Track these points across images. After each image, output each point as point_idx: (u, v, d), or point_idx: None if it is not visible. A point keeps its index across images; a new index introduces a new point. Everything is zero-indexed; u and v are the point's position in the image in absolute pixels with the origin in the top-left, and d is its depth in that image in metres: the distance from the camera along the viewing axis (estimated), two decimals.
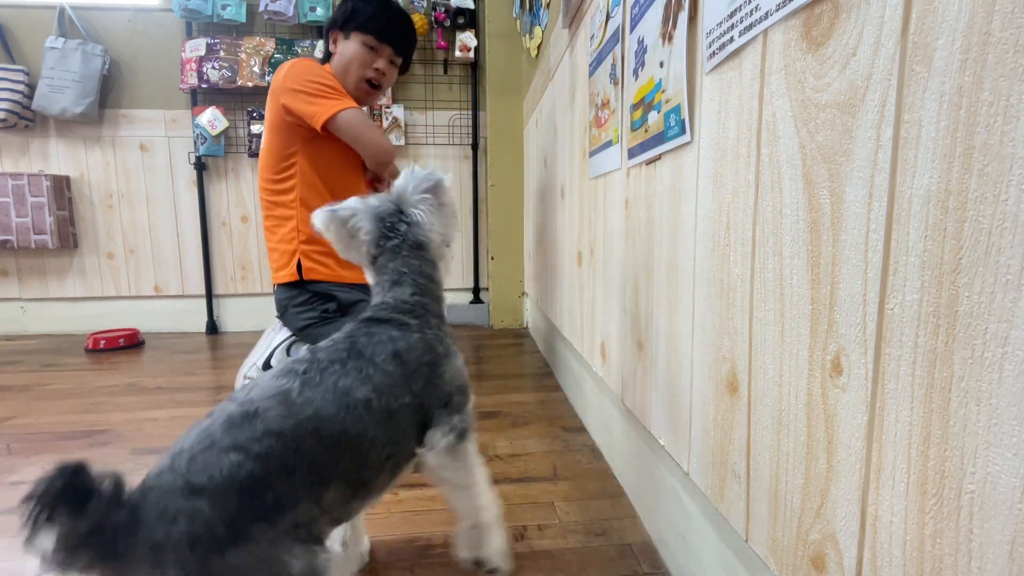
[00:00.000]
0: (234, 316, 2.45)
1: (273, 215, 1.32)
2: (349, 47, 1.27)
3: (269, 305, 2.45)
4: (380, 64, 1.29)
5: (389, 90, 2.32)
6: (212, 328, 2.42)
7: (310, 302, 1.34)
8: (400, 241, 0.65)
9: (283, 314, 1.36)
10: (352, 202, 0.68)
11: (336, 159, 1.28)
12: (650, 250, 0.80)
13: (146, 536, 0.40)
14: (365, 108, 1.35)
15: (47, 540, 0.35)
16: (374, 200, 0.67)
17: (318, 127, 1.17)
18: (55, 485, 0.36)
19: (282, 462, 0.46)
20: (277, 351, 1.31)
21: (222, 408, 0.50)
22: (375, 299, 0.65)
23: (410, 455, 0.59)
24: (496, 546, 0.65)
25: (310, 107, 1.17)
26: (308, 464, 0.48)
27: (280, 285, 1.34)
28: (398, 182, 0.68)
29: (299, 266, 1.28)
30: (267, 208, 1.33)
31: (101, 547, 0.38)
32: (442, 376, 0.62)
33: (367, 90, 1.32)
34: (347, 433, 0.51)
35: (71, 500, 0.36)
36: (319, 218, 0.65)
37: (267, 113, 1.25)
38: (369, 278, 0.69)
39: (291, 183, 1.26)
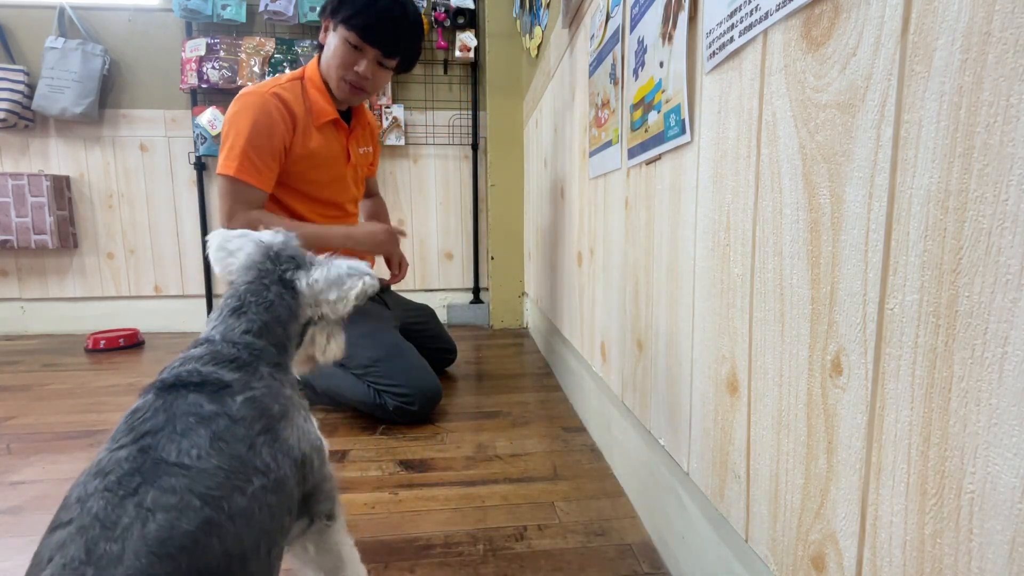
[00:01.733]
0: None
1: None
2: (333, 41, 1.17)
3: None
4: (362, 67, 1.18)
5: (388, 90, 2.32)
6: None
7: None
8: (269, 271, 0.55)
9: None
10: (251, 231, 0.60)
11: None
12: (650, 250, 0.80)
13: None
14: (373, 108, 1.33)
15: None
16: (272, 236, 0.59)
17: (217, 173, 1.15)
18: None
19: None
20: None
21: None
22: (203, 334, 0.52)
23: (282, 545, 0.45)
24: None
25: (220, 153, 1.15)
26: None
27: None
28: (326, 258, 0.59)
29: None
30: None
31: None
32: (287, 442, 0.46)
33: (348, 91, 1.23)
34: None
35: None
36: (215, 236, 0.58)
37: None
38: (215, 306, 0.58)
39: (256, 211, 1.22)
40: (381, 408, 1.23)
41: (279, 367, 0.51)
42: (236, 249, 0.57)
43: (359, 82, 1.21)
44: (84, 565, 0.31)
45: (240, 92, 1.16)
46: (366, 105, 1.42)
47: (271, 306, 0.52)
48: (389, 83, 2.31)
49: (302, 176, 1.25)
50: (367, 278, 0.58)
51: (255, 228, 1.00)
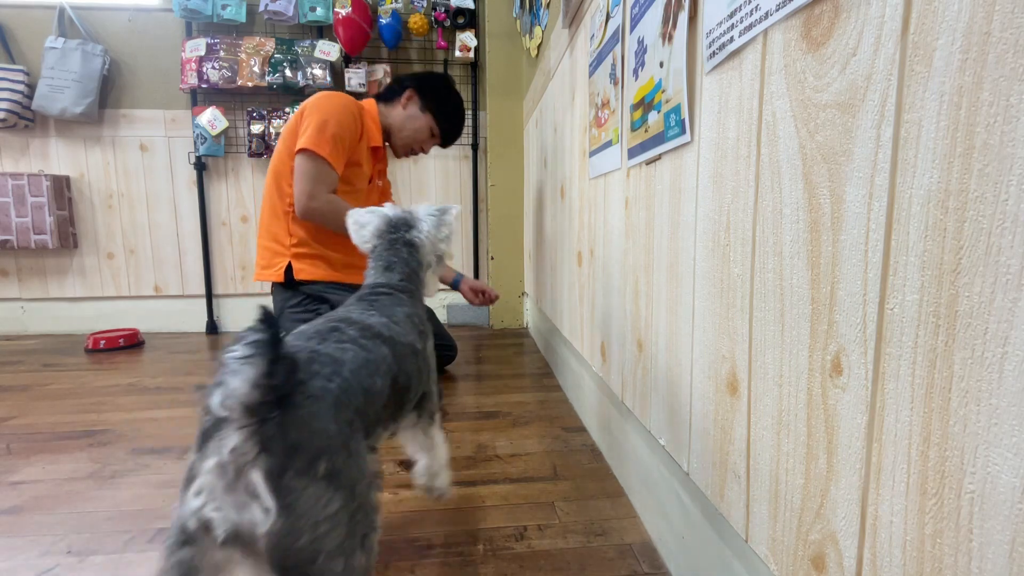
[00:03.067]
0: (234, 316, 2.45)
1: (280, 206, 1.37)
2: (420, 119, 1.46)
3: (268, 305, 2.44)
4: (428, 146, 1.53)
5: None
6: (212, 328, 2.42)
7: (303, 303, 1.36)
8: (396, 237, 0.75)
9: (279, 316, 1.39)
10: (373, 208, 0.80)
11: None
12: (650, 250, 0.80)
13: (308, 391, 0.45)
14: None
15: (238, 381, 0.38)
16: (390, 210, 0.79)
17: (296, 147, 1.28)
18: (263, 333, 0.39)
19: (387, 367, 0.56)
20: None
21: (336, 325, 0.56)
22: (368, 281, 0.73)
23: (405, 412, 0.66)
24: (445, 479, 0.79)
25: (301, 136, 1.27)
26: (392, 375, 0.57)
27: (276, 286, 1.36)
28: (415, 206, 0.80)
29: (288, 268, 1.34)
30: (277, 196, 1.37)
31: (277, 392, 0.40)
32: (429, 348, 0.72)
33: (404, 153, 1.53)
34: (407, 365, 0.61)
35: (270, 347, 0.39)
36: (351, 214, 0.78)
37: (294, 123, 1.35)
38: (368, 265, 0.76)
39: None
40: None
41: (418, 300, 0.75)
42: (366, 223, 0.77)
43: (417, 153, 1.53)
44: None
45: (324, 92, 1.33)
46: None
47: (406, 262, 0.74)
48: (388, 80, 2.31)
49: (344, 179, 1.37)
50: (452, 207, 0.80)
51: (335, 208, 1.23)
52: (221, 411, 0.39)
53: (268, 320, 0.40)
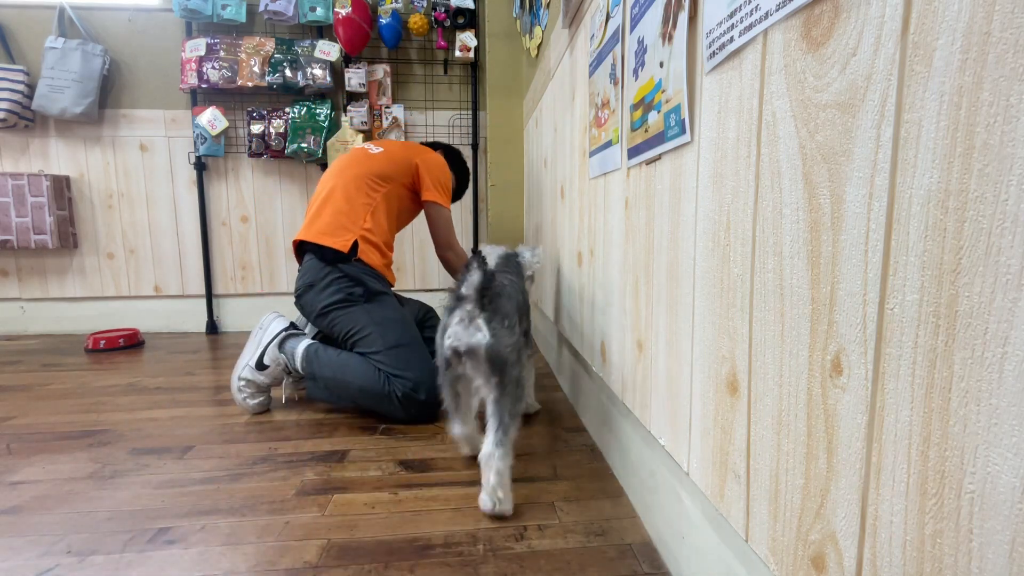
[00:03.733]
0: (234, 316, 2.45)
1: (360, 191, 1.48)
2: (445, 213, 1.63)
3: (269, 305, 2.45)
4: None
5: (388, 90, 2.32)
6: (212, 328, 2.42)
7: (339, 282, 1.36)
8: (509, 258, 1.20)
9: (306, 292, 1.39)
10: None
11: (405, 210, 1.60)
12: (650, 250, 0.80)
13: (499, 290, 0.98)
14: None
15: (476, 277, 0.89)
16: (502, 248, 1.24)
17: (423, 197, 1.56)
18: (482, 262, 0.89)
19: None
20: (270, 348, 1.32)
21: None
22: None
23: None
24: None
25: (428, 187, 1.55)
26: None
27: (314, 259, 1.38)
28: (521, 248, 1.31)
29: (355, 245, 1.42)
30: (356, 190, 1.48)
31: (488, 285, 0.91)
32: (528, 296, 1.18)
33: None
34: (523, 296, 1.12)
35: (486, 268, 0.90)
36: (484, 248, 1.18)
37: (386, 152, 1.55)
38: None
39: (385, 189, 1.50)
40: (385, 398, 1.25)
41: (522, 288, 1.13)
42: (490, 253, 1.18)
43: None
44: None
45: (437, 155, 1.61)
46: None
47: (516, 266, 1.18)
48: (389, 84, 2.31)
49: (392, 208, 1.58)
50: (539, 250, 1.32)
51: (461, 258, 1.61)
52: (467, 291, 0.90)
53: (481, 258, 0.89)
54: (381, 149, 1.55)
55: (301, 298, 1.40)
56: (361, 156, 1.53)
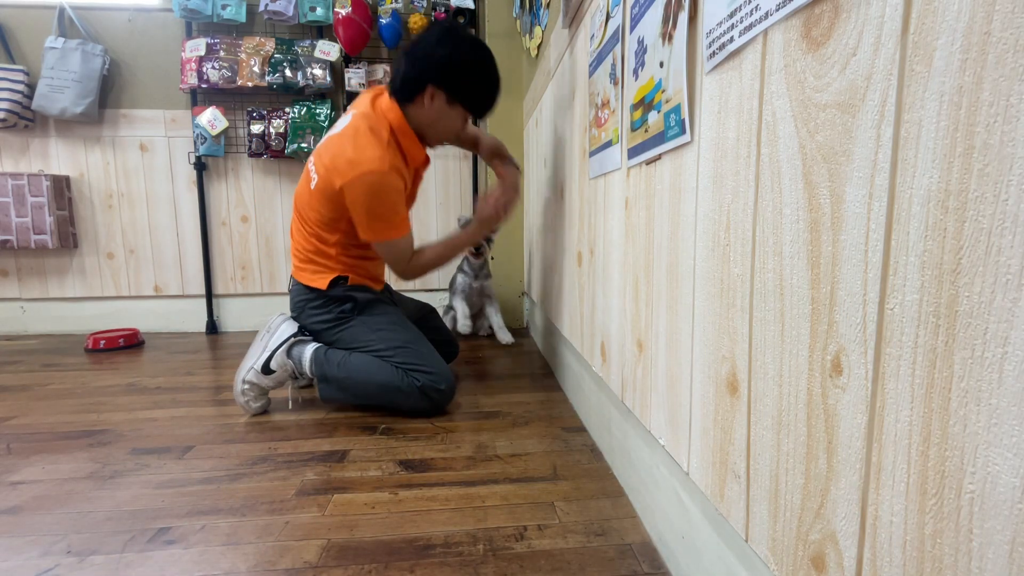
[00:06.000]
0: (234, 316, 2.45)
1: (310, 241, 1.37)
2: (450, 114, 1.31)
3: (269, 305, 2.45)
4: (464, 127, 1.42)
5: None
6: (212, 328, 2.42)
7: (327, 305, 1.36)
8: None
9: (298, 311, 1.40)
10: None
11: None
12: (650, 250, 0.80)
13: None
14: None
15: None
16: None
17: (365, 240, 1.32)
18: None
19: None
20: (278, 353, 1.31)
21: None
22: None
23: None
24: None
25: (372, 225, 1.28)
26: None
27: (303, 284, 1.37)
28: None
29: (337, 279, 1.36)
30: (305, 233, 1.38)
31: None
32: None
33: (441, 143, 1.43)
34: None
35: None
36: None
37: (325, 187, 1.26)
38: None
39: (336, 236, 1.35)
40: (404, 392, 1.27)
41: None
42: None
43: (453, 141, 1.50)
44: None
45: (362, 172, 1.21)
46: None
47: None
48: None
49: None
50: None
51: (421, 262, 1.42)
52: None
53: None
54: (317, 178, 1.28)
55: (297, 318, 1.40)
56: (302, 193, 1.34)
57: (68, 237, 2.30)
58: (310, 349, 1.33)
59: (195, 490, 0.95)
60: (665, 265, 0.74)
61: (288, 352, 1.32)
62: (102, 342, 2.09)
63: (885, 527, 0.36)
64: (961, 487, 0.31)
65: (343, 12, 2.13)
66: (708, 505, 0.63)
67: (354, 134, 1.24)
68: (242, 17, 2.20)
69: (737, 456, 0.56)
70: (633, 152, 0.83)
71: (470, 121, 1.41)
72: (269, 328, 1.35)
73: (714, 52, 0.57)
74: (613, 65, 0.92)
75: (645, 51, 0.76)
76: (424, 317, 1.65)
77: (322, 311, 1.36)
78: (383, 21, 2.21)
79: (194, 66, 2.19)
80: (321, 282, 1.35)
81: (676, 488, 0.70)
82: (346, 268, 1.38)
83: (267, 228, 2.41)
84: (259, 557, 0.76)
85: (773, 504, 0.49)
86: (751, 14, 0.49)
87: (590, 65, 1.08)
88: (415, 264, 1.39)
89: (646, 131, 0.77)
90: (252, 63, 2.20)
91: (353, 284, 1.38)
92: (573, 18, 1.24)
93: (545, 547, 0.77)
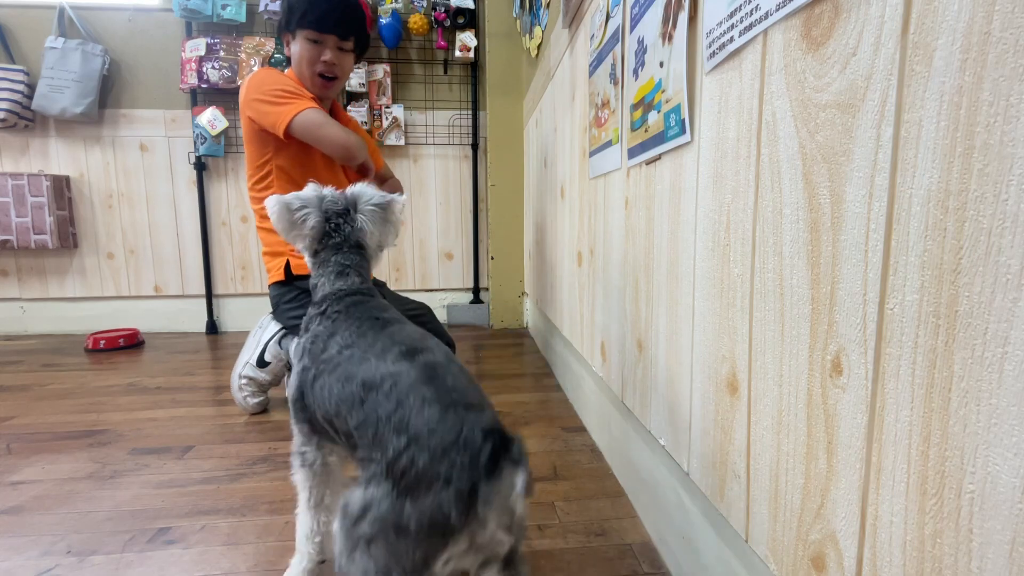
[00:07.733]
0: (234, 316, 2.45)
1: (263, 222, 1.34)
2: (296, 46, 1.31)
3: (269, 305, 2.45)
4: (327, 56, 1.31)
5: (388, 90, 2.32)
6: (212, 328, 2.42)
7: (298, 299, 1.36)
8: (342, 240, 0.71)
9: (275, 311, 1.40)
10: (306, 192, 0.71)
11: (310, 157, 1.32)
12: (650, 250, 0.80)
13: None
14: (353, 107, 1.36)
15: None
16: (328, 193, 0.72)
17: (280, 135, 1.22)
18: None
19: None
20: (270, 345, 1.33)
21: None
22: (324, 288, 0.70)
23: None
24: None
25: (269, 116, 1.22)
26: None
27: (272, 283, 1.36)
28: (356, 187, 0.74)
29: (287, 266, 1.31)
30: (258, 214, 1.36)
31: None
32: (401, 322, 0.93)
33: (323, 84, 1.34)
34: None
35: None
36: (269, 203, 0.69)
37: (242, 126, 1.30)
38: (311, 266, 0.73)
39: (271, 189, 1.30)
40: None
41: (370, 288, 0.74)
42: (304, 216, 0.70)
43: (329, 70, 1.34)
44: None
45: (248, 76, 1.26)
46: (341, 105, 1.47)
47: (360, 267, 0.72)
48: (389, 84, 2.31)
49: (300, 174, 1.34)
50: (397, 199, 0.76)
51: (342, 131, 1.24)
52: None
53: None
54: (245, 142, 1.32)
55: (274, 315, 1.39)
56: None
57: (68, 237, 2.30)
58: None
59: (195, 490, 0.95)
60: (665, 265, 0.74)
61: (279, 343, 1.34)
62: (102, 342, 2.09)
63: (885, 527, 0.36)
64: (961, 487, 0.31)
65: None
66: (708, 505, 0.63)
67: None
68: (242, 17, 2.20)
69: (737, 456, 0.56)
70: (633, 152, 0.83)
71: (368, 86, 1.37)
72: (261, 325, 1.38)
73: (714, 52, 0.57)
74: (613, 65, 0.92)
75: (645, 51, 0.76)
76: (419, 316, 1.63)
77: (295, 305, 1.35)
78: (383, 21, 2.21)
79: (194, 66, 2.19)
80: (278, 273, 1.32)
81: (676, 488, 0.70)
82: (288, 248, 1.32)
83: None
84: (259, 557, 0.76)
85: (773, 504, 0.49)
86: (751, 14, 0.49)
87: (590, 65, 1.08)
88: (334, 126, 1.25)
89: (646, 131, 0.77)
90: (252, 63, 2.20)
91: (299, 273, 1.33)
92: (573, 18, 1.24)
93: (545, 547, 0.77)
